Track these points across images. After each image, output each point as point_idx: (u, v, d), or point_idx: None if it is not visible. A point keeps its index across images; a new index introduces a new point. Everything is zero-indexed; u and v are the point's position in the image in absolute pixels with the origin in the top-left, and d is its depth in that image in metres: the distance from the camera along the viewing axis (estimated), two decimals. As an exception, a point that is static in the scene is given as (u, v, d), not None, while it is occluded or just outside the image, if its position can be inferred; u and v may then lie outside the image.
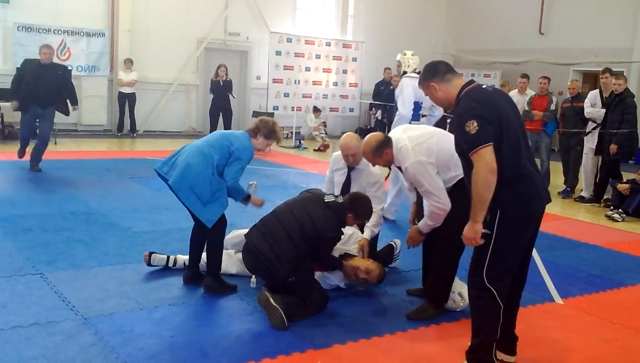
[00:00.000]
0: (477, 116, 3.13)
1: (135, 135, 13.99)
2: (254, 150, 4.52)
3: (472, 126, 3.12)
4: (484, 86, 3.40)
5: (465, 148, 3.20)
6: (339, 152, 5.27)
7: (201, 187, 4.30)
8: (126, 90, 13.79)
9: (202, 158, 4.35)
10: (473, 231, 3.21)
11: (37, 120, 9.16)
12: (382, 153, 4.28)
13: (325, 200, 4.34)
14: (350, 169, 5.10)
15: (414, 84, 7.39)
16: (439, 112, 7.06)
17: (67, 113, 9.54)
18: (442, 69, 3.45)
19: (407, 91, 7.04)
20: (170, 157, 4.57)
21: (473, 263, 3.39)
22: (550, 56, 15.90)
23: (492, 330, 3.38)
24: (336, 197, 4.42)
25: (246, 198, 4.57)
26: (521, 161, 3.24)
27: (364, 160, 4.84)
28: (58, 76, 8.99)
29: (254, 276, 4.61)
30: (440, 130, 4.62)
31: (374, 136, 4.41)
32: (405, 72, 7.31)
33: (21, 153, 9.42)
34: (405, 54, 7.58)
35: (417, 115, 7.13)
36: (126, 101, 13.85)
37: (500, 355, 3.62)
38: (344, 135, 5.27)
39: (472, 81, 3.39)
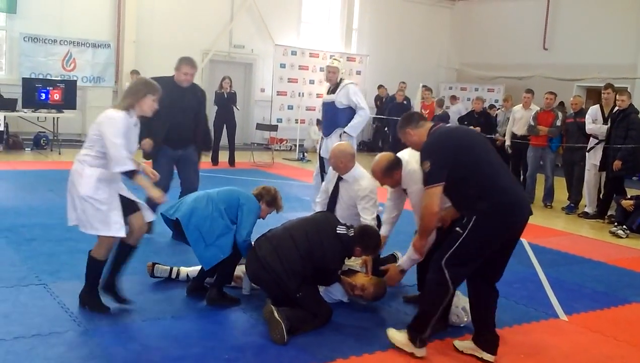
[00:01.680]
0: (430, 157, 3.72)
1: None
2: (260, 211, 4.59)
3: (426, 166, 3.70)
4: (449, 125, 3.84)
5: (423, 183, 3.79)
6: None
7: (209, 227, 4.32)
8: (131, 101, 13.82)
9: (211, 204, 4.40)
10: (419, 244, 4.05)
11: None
12: (392, 173, 4.38)
13: (337, 232, 4.34)
14: (340, 178, 5.13)
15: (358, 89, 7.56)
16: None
17: (208, 148, 6.61)
18: (416, 118, 4.03)
19: (361, 94, 7.46)
20: (177, 202, 4.66)
21: (438, 250, 3.81)
22: (554, 71, 15.93)
23: (434, 306, 3.78)
24: (348, 228, 4.41)
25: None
26: (492, 179, 3.66)
27: (353, 172, 5.00)
28: (200, 102, 6.26)
29: (247, 284, 4.67)
30: None
31: (385, 156, 4.49)
32: (342, 79, 7.39)
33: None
34: (339, 60, 7.71)
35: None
36: (131, 112, 13.88)
37: (482, 354, 3.88)
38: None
39: (437, 123, 3.97)
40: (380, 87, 16.42)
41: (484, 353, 3.87)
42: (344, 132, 7.29)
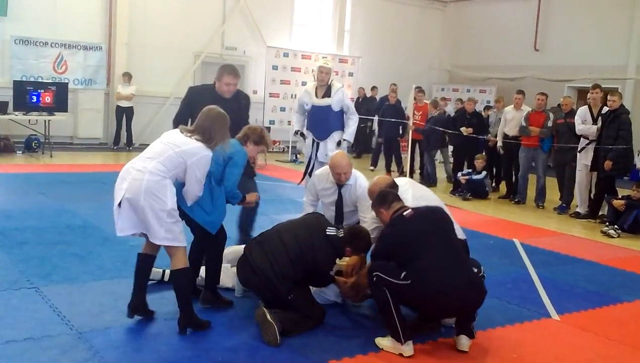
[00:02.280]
0: (376, 246, 4.29)
1: (131, 148, 13.98)
2: (247, 155, 4.52)
3: (373, 249, 4.36)
4: (406, 213, 4.11)
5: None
6: (321, 172, 5.34)
7: (203, 200, 4.30)
8: (124, 103, 13.79)
9: None
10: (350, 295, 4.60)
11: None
12: None
13: (327, 233, 4.35)
14: (340, 186, 5.14)
15: None
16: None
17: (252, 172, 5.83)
18: (390, 199, 4.30)
19: (349, 99, 7.47)
20: None
21: (385, 262, 4.04)
22: (545, 72, 16.00)
23: (382, 300, 3.95)
24: (338, 229, 4.43)
25: (242, 200, 4.59)
26: (424, 270, 3.85)
27: (352, 174, 5.07)
28: (241, 111, 5.62)
29: (240, 287, 4.69)
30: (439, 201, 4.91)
31: (383, 179, 4.75)
32: (332, 81, 7.34)
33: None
34: (328, 62, 7.71)
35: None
36: (124, 114, 13.85)
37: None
38: (333, 154, 5.33)
39: (402, 207, 4.20)
40: (372, 88, 16.43)
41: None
42: (344, 139, 7.25)
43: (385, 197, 4.33)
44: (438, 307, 3.97)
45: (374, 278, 3.98)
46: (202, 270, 4.65)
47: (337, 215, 5.20)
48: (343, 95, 7.27)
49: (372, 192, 4.59)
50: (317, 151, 7.32)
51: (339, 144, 7.24)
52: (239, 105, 5.53)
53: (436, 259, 3.91)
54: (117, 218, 4.01)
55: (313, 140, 7.44)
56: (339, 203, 5.18)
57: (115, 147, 13.99)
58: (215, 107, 4.28)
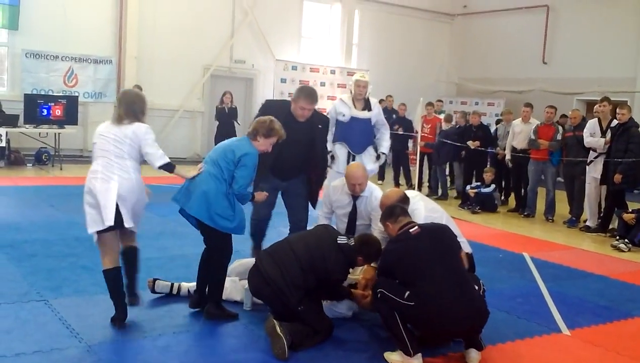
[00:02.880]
0: (379, 263, 4.31)
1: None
2: (257, 154, 4.49)
3: (376, 265, 4.39)
4: (412, 230, 4.09)
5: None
6: (337, 183, 5.33)
7: (223, 208, 4.34)
8: (133, 116, 13.84)
9: (215, 181, 4.37)
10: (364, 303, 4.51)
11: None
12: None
13: (338, 242, 4.35)
14: (355, 197, 5.13)
15: None
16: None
17: (314, 198, 5.74)
18: (397, 213, 4.27)
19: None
20: (184, 185, 4.60)
21: (389, 280, 4.05)
22: (554, 85, 15.98)
23: (389, 318, 3.97)
24: (348, 238, 4.44)
25: (251, 199, 4.60)
26: (422, 290, 3.85)
27: (367, 186, 5.08)
28: (317, 135, 5.53)
29: (249, 300, 4.68)
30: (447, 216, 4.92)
31: (395, 192, 4.82)
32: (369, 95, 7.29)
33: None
34: (365, 75, 7.60)
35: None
36: (132, 127, 13.90)
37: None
38: (349, 165, 5.32)
39: (409, 223, 4.17)
40: (380, 101, 16.44)
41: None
42: (383, 153, 7.15)
43: (392, 210, 4.32)
44: (441, 331, 3.96)
45: (378, 295, 3.99)
46: None
47: (348, 226, 5.19)
48: (380, 109, 7.30)
49: (383, 205, 4.61)
50: None
51: (378, 158, 7.13)
52: (312, 132, 5.43)
53: (439, 281, 3.89)
54: (110, 212, 4.23)
55: (349, 154, 7.09)
56: (352, 215, 5.18)
57: (124, 160, 14.02)
58: (129, 90, 4.72)
